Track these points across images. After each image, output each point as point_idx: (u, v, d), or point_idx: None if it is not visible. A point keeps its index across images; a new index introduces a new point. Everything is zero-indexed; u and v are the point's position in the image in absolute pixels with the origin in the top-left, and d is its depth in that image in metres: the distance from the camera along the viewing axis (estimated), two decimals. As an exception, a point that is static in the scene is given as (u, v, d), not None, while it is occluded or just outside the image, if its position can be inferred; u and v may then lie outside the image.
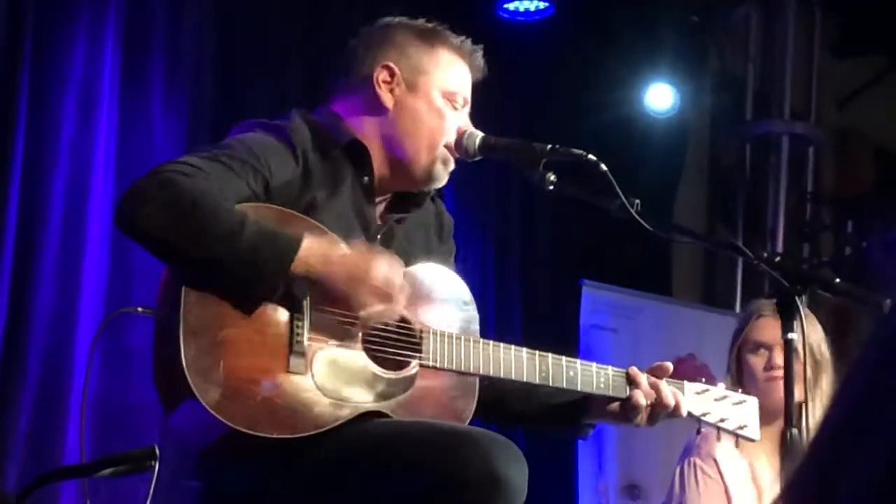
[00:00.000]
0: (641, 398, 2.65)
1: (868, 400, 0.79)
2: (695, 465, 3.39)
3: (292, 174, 2.51)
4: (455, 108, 2.67)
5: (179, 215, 2.29)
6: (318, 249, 2.36)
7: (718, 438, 2.86)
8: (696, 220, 6.32)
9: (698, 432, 2.85)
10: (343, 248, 2.41)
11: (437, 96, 2.66)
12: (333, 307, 2.41)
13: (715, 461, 3.36)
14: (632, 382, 2.67)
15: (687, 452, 3.44)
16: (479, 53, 2.72)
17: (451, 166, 2.67)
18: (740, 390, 2.89)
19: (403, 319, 2.52)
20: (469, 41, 2.71)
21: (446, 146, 2.65)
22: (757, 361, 3.38)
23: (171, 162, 2.39)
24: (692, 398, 2.75)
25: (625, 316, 5.59)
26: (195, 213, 2.30)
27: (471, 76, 2.72)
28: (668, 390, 2.67)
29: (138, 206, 2.31)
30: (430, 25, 2.72)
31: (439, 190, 2.80)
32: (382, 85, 2.65)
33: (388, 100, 2.65)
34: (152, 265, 2.45)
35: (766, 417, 3.16)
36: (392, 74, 2.65)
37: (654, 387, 2.67)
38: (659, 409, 2.67)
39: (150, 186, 2.32)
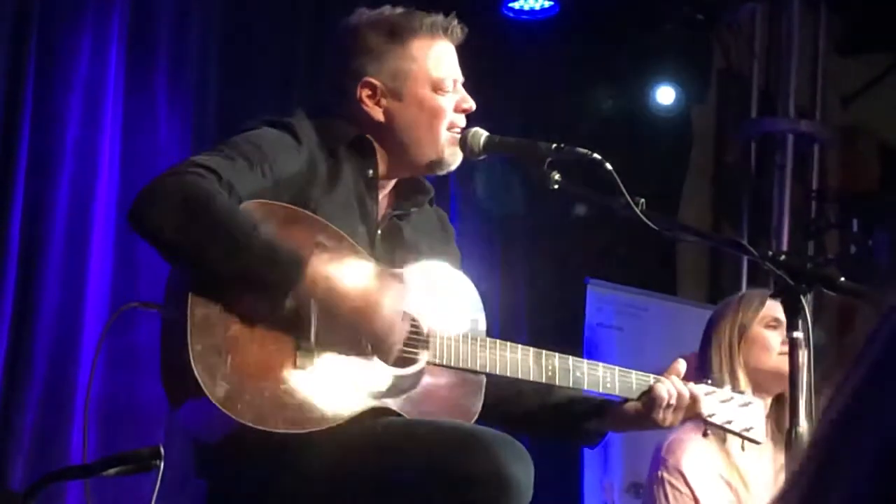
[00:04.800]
0: (664, 392, 2.64)
1: (863, 401, 0.79)
2: (663, 479, 3.38)
3: (298, 169, 2.52)
4: (446, 92, 2.65)
5: (191, 219, 2.30)
6: (324, 273, 2.36)
7: (704, 434, 2.86)
8: (701, 219, 6.31)
9: (705, 434, 2.85)
10: (351, 277, 2.40)
11: (425, 92, 2.63)
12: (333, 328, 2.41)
13: (681, 473, 3.35)
14: (658, 382, 2.67)
15: (655, 464, 3.44)
16: (454, 22, 2.66)
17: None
18: (742, 390, 2.90)
19: (410, 316, 2.53)
20: (440, 16, 2.66)
21: (449, 128, 2.64)
22: (773, 336, 3.45)
23: (184, 163, 2.39)
24: None
25: (630, 314, 5.59)
26: (206, 219, 2.31)
27: (453, 49, 2.67)
28: (685, 389, 2.68)
29: (152, 207, 2.32)
30: (396, 15, 2.65)
31: (444, 190, 2.80)
32: (367, 101, 2.62)
33: (376, 113, 2.63)
34: (158, 263, 2.46)
35: (776, 387, 3.19)
36: (373, 88, 2.62)
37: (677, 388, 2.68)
38: (681, 407, 2.66)
39: (165, 188, 2.33)
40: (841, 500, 0.77)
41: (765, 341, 3.45)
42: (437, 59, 2.65)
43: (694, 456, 3.31)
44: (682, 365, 2.70)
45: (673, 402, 2.64)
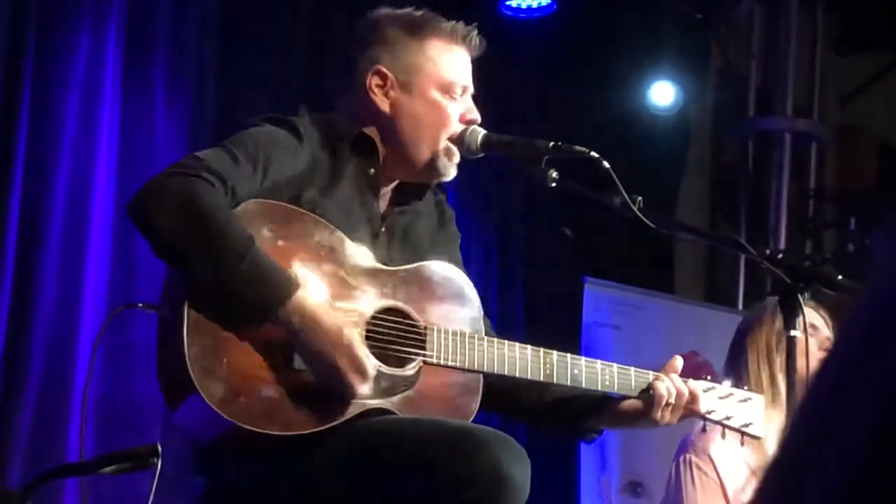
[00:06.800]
0: (663, 389, 2.64)
1: (843, 389, 0.79)
2: (691, 462, 3.38)
3: (300, 167, 2.52)
4: (454, 99, 2.66)
5: (191, 227, 2.31)
6: (310, 304, 2.36)
7: (723, 436, 2.85)
8: (698, 217, 6.31)
9: (704, 430, 2.85)
10: (329, 319, 2.39)
11: (434, 91, 2.63)
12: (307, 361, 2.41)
13: (710, 458, 3.35)
14: (658, 380, 2.66)
15: (683, 448, 3.43)
16: (474, 33, 2.68)
17: (457, 158, 2.66)
18: (745, 386, 2.89)
19: (408, 316, 2.53)
20: (461, 24, 2.68)
21: (449, 138, 2.65)
22: (810, 340, 3.43)
23: (190, 162, 2.39)
24: None
25: (627, 313, 5.58)
26: (205, 230, 2.31)
27: (468, 58, 2.68)
28: (687, 386, 2.67)
29: (154, 206, 2.33)
30: (418, 15, 2.68)
31: (442, 185, 2.81)
32: (376, 90, 2.63)
33: (383, 104, 2.63)
34: (154, 263, 2.46)
35: None
36: (384, 78, 2.63)
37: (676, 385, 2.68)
38: (679, 405, 2.66)
39: (170, 189, 2.33)
40: (834, 459, 0.77)
41: (803, 346, 3.44)
42: (451, 62, 2.66)
43: (724, 443, 3.31)
44: (678, 362, 2.70)
45: (672, 399, 2.64)
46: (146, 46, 4.55)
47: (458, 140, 2.65)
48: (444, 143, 2.63)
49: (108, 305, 4.25)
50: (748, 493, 3.33)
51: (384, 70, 2.63)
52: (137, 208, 2.36)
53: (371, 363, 2.40)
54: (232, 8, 4.82)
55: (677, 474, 3.41)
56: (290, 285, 2.35)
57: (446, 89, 2.64)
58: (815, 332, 3.46)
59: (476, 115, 2.67)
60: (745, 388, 2.81)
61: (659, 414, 2.64)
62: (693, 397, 2.67)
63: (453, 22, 2.68)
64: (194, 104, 4.63)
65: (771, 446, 3.30)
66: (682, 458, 3.40)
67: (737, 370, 3.41)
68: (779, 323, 3.42)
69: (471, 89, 2.69)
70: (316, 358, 2.37)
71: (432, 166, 2.64)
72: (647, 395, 2.64)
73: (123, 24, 4.47)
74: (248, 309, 2.33)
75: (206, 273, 2.32)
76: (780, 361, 3.38)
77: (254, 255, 2.32)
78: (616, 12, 5.81)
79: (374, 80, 2.63)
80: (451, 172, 2.66)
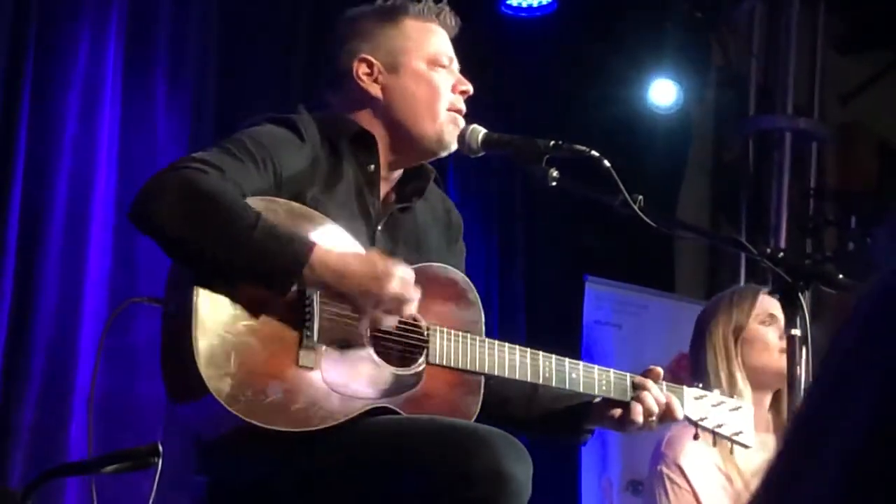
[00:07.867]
0: (640, 405, 2.64)
1: (842, 383, 0.80)
2: (662, 475, 3.37)
3: (301, 166, 2.53)
4: (443, 68, 2.68)
5: (195, 213, 2.30)
6: (331, 256, 2.36)
7: (714, 443, 2.85)
8: (699, 216, 6.31)
9: (695, 437, 2.84)
10: (356, 256, 2.41)
11: (421, 65, 2.66)
12: (343, 310, 2.42)
13: (680, 468, 3.34)
14: (637, 388, 2.66)
15: (655, 459, 3.43)
16: (447, 9, 2.72)
17: (461, 124, 2.67)
18: (737, 386, 2.90)
19: (411, 316, 2.53)
20: (430, 3, 2.71)
21: (449, 109, 2.66)
22: (771, 332, 3.42)
23: (186, 158, 2.40)
24: (690, 403, 2.75)
25: (628, 312, 5.59)
26: (210, 212, 2.31)
27: (447, 34, 2.72)
28: (664, 395, 2.68)
29: (155, 202, 2.32)
30: (388, 4, 2.72)
31: (444, 184, 2.81)
32: (364, 78, 2.65)
33: (374, 90, 2.65)
34: (156, 261, 2.46)
35: (778, 384, 3.17)
36: (370, 65, 2.65)
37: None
38: (660, 414, 2.67)
39: (168, 182, 2.33)
40: (834, 453, 0.77)
41: (764, 340, 3.42)
42: (430, 37, 2.69)
43: (693, 451, 3.31)
44: (660, 370, 2.70)
45: (657, 410, 2.65)
46: (146, 45, 4.55)
47: (459, 139, 2.66)
48: (444, 113, 2.65)
49: (109, 303, 4.25)
50: (722, 498, 3.33)
51: (368, 58, 2.65)
52: (138, 213, 2.35)
53: (407, 269, 2.40)
54: (232, 8, 4.82)
55: (651, 486, 3.42)
56: (307, 242, 2.35)
57: (433, 61, 2.67)
58: (773, 322, 3.44)
59: (468, 85, 2.69)
60: (700, 385, 2.81)
61: (641, 423, 2.64)
62: (669, 407, 2.67)
63: (422, 3, 2.71)
64: (194, 103, 4.64)
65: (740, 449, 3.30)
66: (654, 470, 3.40)
67: (697, 367, 3.41)
68: (736, 316, 3.42)
69: (456, 61, 2.71)
70: (362, 298, 2.37)
71: (438, 139, 2.65)
72: (635, 404, 2.65)
73: (124, 23, 4.47)
74: (271, 276, 2.32)
75: (222, 257, 2.31)
76: (740, 356, 3.38)
77: (264, 221, 2.32)
78: (616, 11, 5.81)
79: (360, 69, 2.65)
80: (454, 140, 2.66)
